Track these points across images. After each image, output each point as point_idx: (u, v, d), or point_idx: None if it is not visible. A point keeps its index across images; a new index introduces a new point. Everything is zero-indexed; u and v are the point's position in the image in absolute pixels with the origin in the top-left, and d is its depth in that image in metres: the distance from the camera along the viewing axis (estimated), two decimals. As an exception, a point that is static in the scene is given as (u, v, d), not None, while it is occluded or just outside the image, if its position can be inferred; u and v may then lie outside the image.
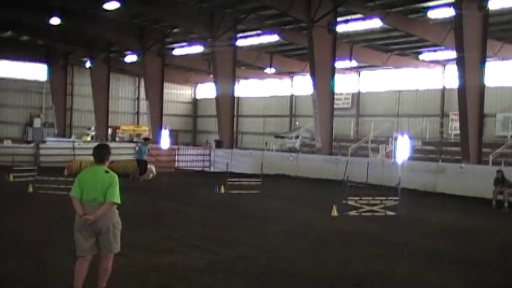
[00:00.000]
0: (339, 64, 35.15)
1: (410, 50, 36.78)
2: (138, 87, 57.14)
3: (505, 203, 19.59)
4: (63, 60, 51.88)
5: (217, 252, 10.63)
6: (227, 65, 36.12)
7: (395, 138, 31.16)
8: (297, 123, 47.43)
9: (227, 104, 36.73)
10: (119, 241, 7.36)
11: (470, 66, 24.06)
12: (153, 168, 26.39)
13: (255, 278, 8.84)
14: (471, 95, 24.15)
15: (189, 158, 32.78)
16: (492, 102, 31.41)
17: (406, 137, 30.92)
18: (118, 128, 52.04)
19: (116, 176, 7.34)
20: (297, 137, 40.23)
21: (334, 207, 16.06)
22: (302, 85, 48.22)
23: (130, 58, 46.99)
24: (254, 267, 9.56)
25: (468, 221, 16.34)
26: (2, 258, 9.39)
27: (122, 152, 30.24)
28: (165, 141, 40.90)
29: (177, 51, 43.43)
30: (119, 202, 7.21)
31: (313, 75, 30.96)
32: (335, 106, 33.09)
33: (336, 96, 34.35)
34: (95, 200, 7.13)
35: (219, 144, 35.96)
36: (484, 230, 14.86)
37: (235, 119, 40.85)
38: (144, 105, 50.12)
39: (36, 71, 53.86)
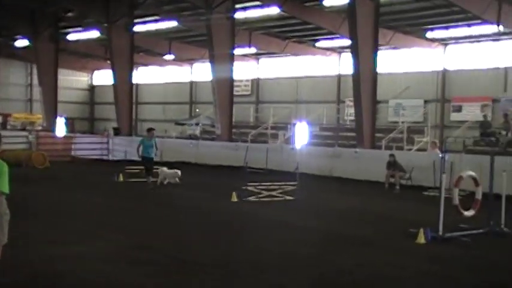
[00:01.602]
0: (238, 51, 35.29)
1: (308, 37, 37.47)
2: (31, 73, 54.67)
3: (397, 185, 20.51)
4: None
5: (119, 241, 10.44)
6: (124, 51, 35.32)
7: (294, 125, 31.77)
8: (197, 110, 47.26)
9: (125, 91, 35.98)
10: (7, 232, 7.00)
11: (363, 54, 24.90)
12: (176, 172, 20.00)
13: (157, 266, 8.73)
14: (365, 82, 25.00)
15: (86, 146, 31.86)
16: (385, 89, 32.63)
17: (304, 123, 31.60)
18: (9, 115, 49.59)
19: (5, 165, 6.97)
20: (197, 124, 40.08)
21: (234, 193, 16.18)
22: (202, 72, 48.03)
23: (21, 43, 44.83)
24: (156, 254, 9.45)
25: (362, 203, 16.97)
26: None
27: (14, 141, 29.06)
28: (60, 129, 39.47)
29: (72, 36, 41.89)
30: (7, 191, 6.85)
31: (212, 62, 30.94)
32: (235, 93, 33.25)
33: (235, 83, 34.51)
34: None
35: (117, 132, 35.18)
36: (376, 211, 15.47)
37: (134, 106, 40.03)
38: (37, 92, 48.06)
39: None
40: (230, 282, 8.02)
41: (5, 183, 6.88)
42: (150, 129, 19.87)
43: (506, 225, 12.04)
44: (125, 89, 35.86)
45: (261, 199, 16.41)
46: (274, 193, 16.94)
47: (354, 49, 25.26)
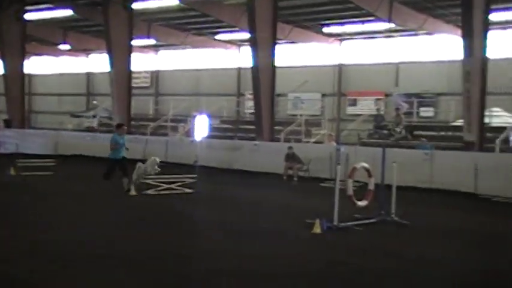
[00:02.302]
0: (137, 42, 34.63)
1: (208, 30, 37.36)
2: None
3: (295, 177, 20.93)
4: None
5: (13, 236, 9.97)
6: (15, 40, 33.69)
7: (194, 117, 31.57)
8: (94, 102, 45.95)
9: (16, 81, 34.35)
10: None
11: (262, 48, 25.15)
12: (155, 159, 17.07)
13: (52, 259, 8.44)
14: (264, 75, 25.27)
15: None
16: (284, 82, 33.15)
17: (204, 115, 31.46)
18: None
19: None
20: (94, 116, 38.95)
21: (132, 186, 15.89)
22: (99, 63, 46.74)
23: None
24: (49, 247, 9.12)
25: (261, 195, 17.17)
26: None
27: None
28: None
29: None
30: None
31: (109, 53, 30.16)
32: (134, 85, 32.63)
33: (134, 75, 33.87)
34: None
35: (8, 124, 33.58)
36: (275, 203, 15.70)
37: (26, 97, 38.31)
38: None
39: None
40: (133, 275, 7.86)
41: None
42: (120, 125, 17.24)
43: (397, 214, 12.56)
44: (16, 79, 34.23)
45: (160, 192, 16.22)
46: (173, 186, 16.78)
47: (253, 43, 25.47)
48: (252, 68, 26.00)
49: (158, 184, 16.62)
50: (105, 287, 7.43)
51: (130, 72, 31.06)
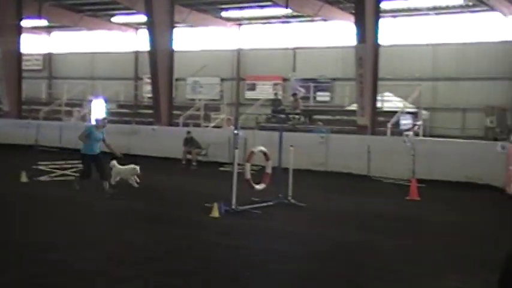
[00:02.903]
0: (27, 23, 33.11)
1: (103, 12, 36.30)
2: None
3: (194, 161, 20.88)
4: None
5: None
6: None
7: (90, 102, 30.72)
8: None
9: None
10: None
11: (159, 31, 24.79)
12: (135, 169, 14.81)
13: None
14: (161, 59, 24.93)
15: None
16: (183, 67, 32.91)
17: (101, 100, 30.68)
18: None
19: None
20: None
21: (23, 173, 15.23)
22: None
23: None
24: None
25: (160, 180, 16.97)
26: None
27: None
28: None
29: None
30: None
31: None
32: (24, 67, 31.25)
33: (25, 57, 32.43)
34: None
35: None
36: (173, 187, 15.60)
37: None
38: None
39: None
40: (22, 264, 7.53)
41: None
42: (100, 122, 14.00)
43: (293, 196, 12.83)
44: None
45: (54, 178, 15.68)
46: (68, 172, 16.26)
47: (150, 26, 25.05)
48: (149, 51, 25.58)
49: (51, 170, 16.05)
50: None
51: (20, 54, 29.68)
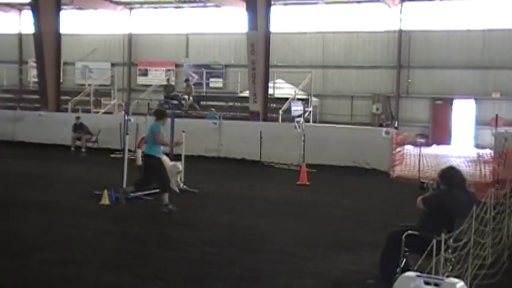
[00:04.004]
0: None
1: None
2: None
3: (83, 148, 20.28)
4: None
5: None
6: None
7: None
8: None
9: None
10: None
11: (45, 13, 23.68)
12: (175, 165, 12.47)
13: None
14: (48, 42, 23.87)
15: None
16: (71, 50, 31.78)
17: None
18: None
19: None
20: None
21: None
22: None
23: None
24: None
25: (47, 168, 16.39)
26: None
27: None
28: None
29: None
30: None
31: None
32: None
33: None
34: None
35: None
36: (62, 175, 15.10)
37: None
38: None
39: None
40: None
41: None
42: (162, 113, 11.76)
43: (186, 183, 12.78)
44: None
45: None
46: None
47: (35, 7, 23.93)
48: (34, 34, 24.45)
49: None
50: None
51: None
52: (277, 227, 9.80)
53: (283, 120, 21.35)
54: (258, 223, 10.09)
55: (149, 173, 10.98)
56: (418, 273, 4.78)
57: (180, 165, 12.39)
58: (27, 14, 33.90)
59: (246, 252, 8.09)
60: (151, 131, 11.02)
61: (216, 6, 32.45)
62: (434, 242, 5.21)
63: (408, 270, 5.46)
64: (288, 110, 22.39)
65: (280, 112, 21.63)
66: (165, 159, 11.87)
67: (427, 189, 6.86)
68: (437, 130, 28.87)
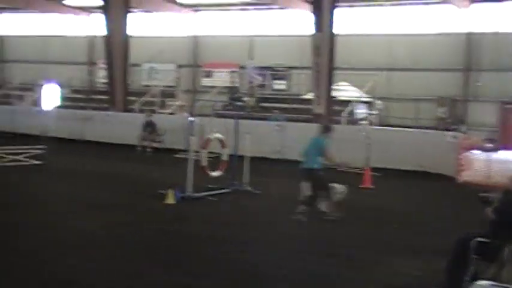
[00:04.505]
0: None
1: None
2: None
3: (149, 148, 20.70)
4: None
5: None
6: None
7: (41, 86, 30.06)
8: None
9: None
10: None
11: (115, 16, 24.38)
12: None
13: None
14: (117, 44, 24.55)
15: None
16: (139, 52, 32.50)
17: (54, 84, 30.05)
18: None
19: None
20: None
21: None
22: None
23: None
24: None
25: (114, 167, 16.80)
26: None
27: None
28: None
29: None
30: None
31: None
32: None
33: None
34: None
35: None
36: (128, 174, 15.44)
37: None
38: None
39: None
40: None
41: None
42: (329, 127, 11.75)
43: (249, 184, 12.86)
44: None
45: (5, 164, 15.30)
46: (19, 157, 15.90)
47: (106, 10, 24.62)
48: (104, 36, 25.14)
49: (2, 156, 15.66)
50: None
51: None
52: (340, 231, 9.73)
53: (346, 123, 21.16)
54: (319, 226, 10.05)
55: (316, 185, 10.62)
56: (492, 282, 4.65)
57: (341, 188, 10.92)
58: (97, 17, 34.98)
59: (307, 255, 8.07)
60: (319, 145, 10.84)
61: (281, 8, 32.50)
62: (506, 250, 5.07)
63: (476, 278, 5.33)
64: (352, 113, 22.22)
65: (344, 115, 21.46)
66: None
67: (490, 203, 6.62)
68: (506, 135, 27.97)
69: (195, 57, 36.33)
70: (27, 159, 15.89)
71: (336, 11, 21.84)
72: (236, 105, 18.60)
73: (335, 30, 21.86)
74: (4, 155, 15.76)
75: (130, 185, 13.61)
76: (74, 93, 31.39)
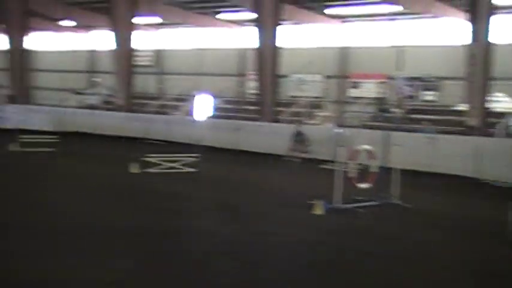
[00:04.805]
0: (140, 20, 34.47)
1: (210, 9, 37.11)
2: None
3: (297, 158, 20.96)
4: None
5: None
6: (18, 15, 33.54)
7: (196, 97, 31.53)
8: (96, 79, 45.87)
9: (19, 57, 34.23)
10: None
11: (266, 28, 25.05)
12: None
13: (48, 236, 8.56)
14: (267, 56, 25.20)
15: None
16: (287, 63, 33.05)
17: (207, 95, 31.40)
18: None
19: None
20: (96, 94, 38.93)
21: (132, 164, 15.94)
22: (101, 40, 46.47)
23: None
24: (48, 225, 9.21)
25: (262, 176, 17.22)
26: None
27: None
28: None
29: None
30: None
31: (113, 30, 30.07)
32: (137, 63, 32.56)
33: (137, 53, 33.75)
34: None
35: (11, 100, 33.55)
36: (276, 183, 15.73)
37: (28, 73, 37.98)
38: None
39: None
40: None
41: None
42: None
43: (399, 197, 12.60)
44: (19, 54, 34.13)
45: (162, 170, 16.25)
46: (175, 165, 16.81)
47: (258, 23, 25.36)
48: (255, 48, 25.91)
49: (160, 163, 16.64)
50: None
51: (133, 50, 30.98)
52: (501, 250, 9.24)
53: (502, 136, 20.06)
54: (469, 244, 9.61)
55: None
56: None
57: None
58: (247, 30, 36.07)
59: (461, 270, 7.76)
60: None
61: (434, 17, 31.55)
62: None
63: None
64: (508, 125, 21.09)
65: (499, 127, 20.37)
66: None
67: None
68: None
69: (343, 68, 36.25)
70: (182, 167, 16.74)
71: (493, 19, 20.83)
72: (384, 116, 18.35)
73: (491, 39, 20.84)
74: (162, 162, 16.72)
75: (278, 194, 13.86)
76: (226, 103, 32.61)
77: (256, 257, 8.21)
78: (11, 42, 33.86)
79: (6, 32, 34.02)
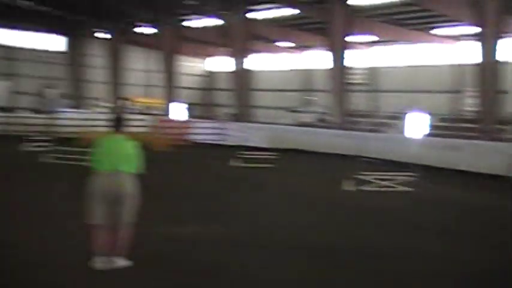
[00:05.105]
0: (355, 38, 34.83)
1: (424, 25, 36.22)
2: (149, 59, 56.16)
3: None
4: (78, 31, 51.22)
5: (231, 226, 10.69)
6: (241, 38, 35.91)
7: (409, 114, 30.98)
8: (311, 97, 47.12)
9: (243, 78, 36.63)
10: (135, 211, 7.36)
11: (488, 42, 23.79)
12: None
13: (266, 249, 9.04)
14: (488, 71, 23.91)
15: (202, 131, 32.55)
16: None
17: (421, 113, 30.69)
18: (128, 99, 50.44)
19: (137, 145, 7.35)
20: (311, 112, 40.04)
21: (347, 181, 16.04)
22: (315, 59, 47.72)
23: (144, 29, 46.72)
24: (266, 240, 9.69)
25: (486, 198, 16.26)
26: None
27: (136, 124, 30.08)
28: (179, 114, 40.75)
29: (189, 23, 43.14)
30: (141, 171, 7.22)
31: (329, 49, 30.81)
32: (351, 81, 32.91)
33: (351, 71, 34.13)
34: (116, 169, 7.10)
35: (234, 118, 35.98)
36: (493, 208, 14.77)
37: (249, 92, 40.33)
38: (153, 77, 50.10)
39: (53, 42, 52.95)
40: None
41: (138, 163, 7.28)
42: None
43: None
44: (242, 75, 36.54)
45: (377, 189, 16.09)
46: (391, 183, 16.57)
47: (480, 36, 24.20)
48: (476, 64, 24.75)
49: (374, 181, 16.52)
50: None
51: (347, 68, 31.40)
52: None
53: None
54: None
55: None
56: None
57: None
58: (463, 44, 34.55)
59: None
60: None
61: None
62: None
63: None
64: None
65: None
66: None
67: None
68: None
69: None
70: (398, 185, 16.45)
71: None
72: None
73: None
74: (375, 180, 16.59)
75: (492, 217, 12.98)
76: (441, 121, 31.53)
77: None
78: (236, 64, 36.33)
79: (231, 54, 36.60)
